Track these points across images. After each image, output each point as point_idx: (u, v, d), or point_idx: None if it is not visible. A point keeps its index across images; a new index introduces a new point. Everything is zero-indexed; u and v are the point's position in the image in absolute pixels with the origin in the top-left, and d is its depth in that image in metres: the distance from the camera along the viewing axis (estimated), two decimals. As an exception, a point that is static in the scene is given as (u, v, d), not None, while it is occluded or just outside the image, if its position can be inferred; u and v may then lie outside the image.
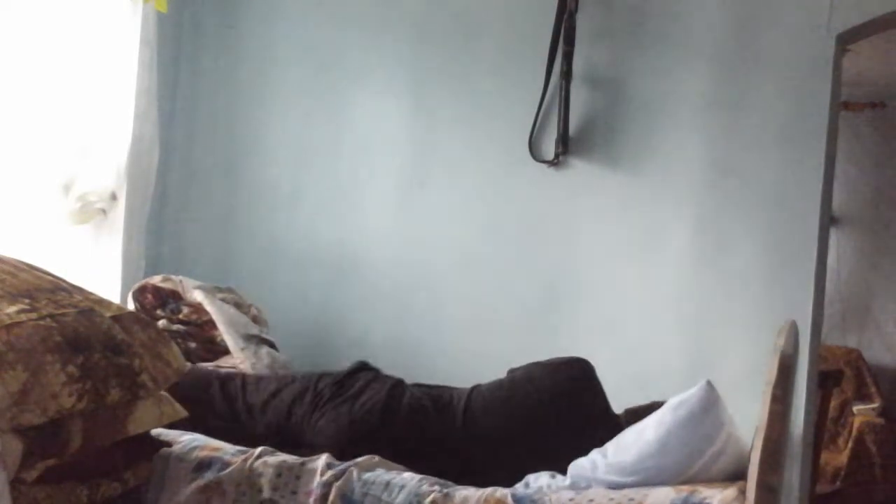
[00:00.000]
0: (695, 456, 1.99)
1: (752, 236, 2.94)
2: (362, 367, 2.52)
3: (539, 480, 2.09)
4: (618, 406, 2.40)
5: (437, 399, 2.39)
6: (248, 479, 2.05)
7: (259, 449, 2.13)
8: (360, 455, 2.15)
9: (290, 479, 2.05)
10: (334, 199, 3.38)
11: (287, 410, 2.39)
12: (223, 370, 2.64)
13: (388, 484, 2.02)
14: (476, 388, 2.42)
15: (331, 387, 2.40)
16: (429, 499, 1.98)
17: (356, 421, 2.32)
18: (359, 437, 2.27)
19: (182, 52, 3.52)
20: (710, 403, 2.03)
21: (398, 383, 2.45)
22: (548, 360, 2.43)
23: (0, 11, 2.70)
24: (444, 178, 3.27)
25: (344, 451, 2.18)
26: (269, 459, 2.09)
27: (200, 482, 2.06)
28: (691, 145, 3.02)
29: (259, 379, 2.54)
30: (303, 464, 2.08)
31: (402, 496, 1.99)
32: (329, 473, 2.05)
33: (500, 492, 2.01)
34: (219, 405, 2.44)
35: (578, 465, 2.08)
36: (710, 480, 1.97)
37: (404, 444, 2.27)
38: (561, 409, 2.30)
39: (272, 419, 2.40)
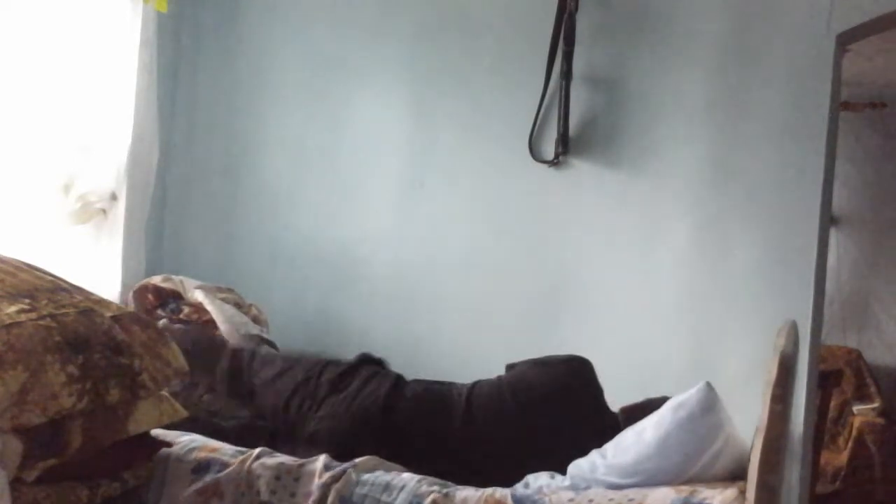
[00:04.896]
0: (694, 457, 1.99)
1: (753, 236, 2.94)
2: (366, 360, 2.53)
3: (538, 481, 2.09)
4: (617, 406, 2.40)
5: (437, 396, 2.40)
6: (247, 480, 2.05)
7: (257, 450, 2.13)
8: (358, 453, 2.15)
9: (288, 482, 2.05)
10: (334, 199, 3.38)
11: (287, 399, 2.41)
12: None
13: (387, 485, 2.02)
14: (476, 385, 2.42)
15: (332, 381, 2.41)
16: (429, 499, 1.97)
17: (356, 418, 2.32)
18: (358, 434, 2.27)
19: (182, 52, 3.52)
20: (709, 405, 2.03)
21: (399, 380, 2.45)
22: (546, 358, 2.44)
23: (0, 12, 2.70)
24: (443, 178, 3.27)
25: (343, 448, 2.17)
26: (267, 461, 2.09)
27: (199, 484, 2.06)
28: (691, 145, 3.01)
29: (266, 357, 2.56)
30: (301, 466, 2.08)
31: (401, 497, 1.98)
32: (327, 475, 2.04)
33: (500, 492, 2.01)
34: (223, 375, 2.48)
35: (578, 466, 2.08)
36: (709, 481, 1.97)
37: (404, 442, 2.27)
38: (558, 408, 2.30)
39: (272, 402, 2.42)
